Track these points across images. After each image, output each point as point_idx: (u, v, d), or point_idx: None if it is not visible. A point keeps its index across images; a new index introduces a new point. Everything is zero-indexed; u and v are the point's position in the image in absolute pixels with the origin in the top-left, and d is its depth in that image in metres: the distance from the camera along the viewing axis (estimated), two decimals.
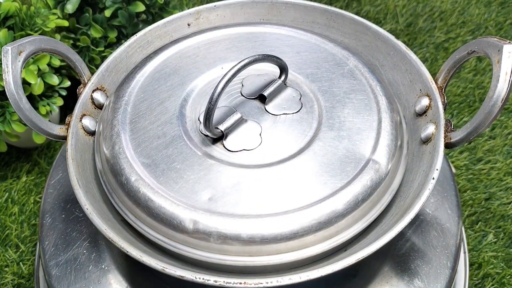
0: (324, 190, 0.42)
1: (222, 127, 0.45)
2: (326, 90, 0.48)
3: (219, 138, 0.46)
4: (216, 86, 0.43)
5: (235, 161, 0.44)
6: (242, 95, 0.49)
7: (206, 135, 0.46)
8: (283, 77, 0.49)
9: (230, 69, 0.43)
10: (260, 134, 0.46)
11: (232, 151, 0.45)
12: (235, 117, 0.46)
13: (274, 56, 0.47)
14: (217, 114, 0.46)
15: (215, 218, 0.41)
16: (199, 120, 0.47)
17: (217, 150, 0.45)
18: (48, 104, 0.72)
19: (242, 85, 0.50)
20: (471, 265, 0.69)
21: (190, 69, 0.51)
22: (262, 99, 0.48)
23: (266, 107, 0.48)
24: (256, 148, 0.45)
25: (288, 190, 0.42)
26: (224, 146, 0.45)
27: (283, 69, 0.48)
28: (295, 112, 0.47)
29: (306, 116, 0.47)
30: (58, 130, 0.48)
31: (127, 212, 0.44)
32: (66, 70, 0.76)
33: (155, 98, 0.49)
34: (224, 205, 0.41)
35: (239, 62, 0.44)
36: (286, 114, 0.47)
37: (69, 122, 0.48)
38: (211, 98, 0.43)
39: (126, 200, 0.44)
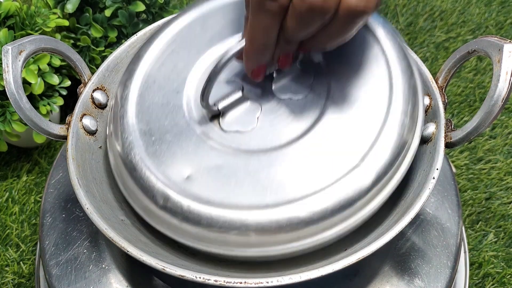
0: (307, 188, 0.40)
1: (220, 105, 0.45)
2: (340, 78, 0.44)
3: (216, 115, 0.45)
4: (216, 64, 0.42)
5: (225, 142, 0.43)
6: None
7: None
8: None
9: (234, 46, 0.42)
10: (257, 117, 0.44)
11: (225, 131, 0.44)
12: (236, 95, 0.45)
13: None
14: (222, 88, 0.45)
15: (184, 199, 0.41)
16: None
17: (213, 128, 0.44)
18: (48, 104, 0.72)
19: None
20: (471, 264, 0.69)
21: (219, 29, 0.49)
22: (272, 77, 0.46)
23: (273, 87, 0.46)
24: (250, 132, 0.44)
25: (268, 183, 0.41)
26: (219, 124, 0.44)
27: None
28: (301, 98, 0.45)
29: (311, 104, 0.44)
30: (58, 129, 0.48)
31: (116, 176, 0.46)
32: (66, 70, 0.76)
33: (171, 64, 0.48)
34: (199, 186, 0.41)
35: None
36: (291, 98, 0.45)
37: (70, 121, 0.48)
38: (209, 75, 0.42)
39: (122, 167, 0.45)
